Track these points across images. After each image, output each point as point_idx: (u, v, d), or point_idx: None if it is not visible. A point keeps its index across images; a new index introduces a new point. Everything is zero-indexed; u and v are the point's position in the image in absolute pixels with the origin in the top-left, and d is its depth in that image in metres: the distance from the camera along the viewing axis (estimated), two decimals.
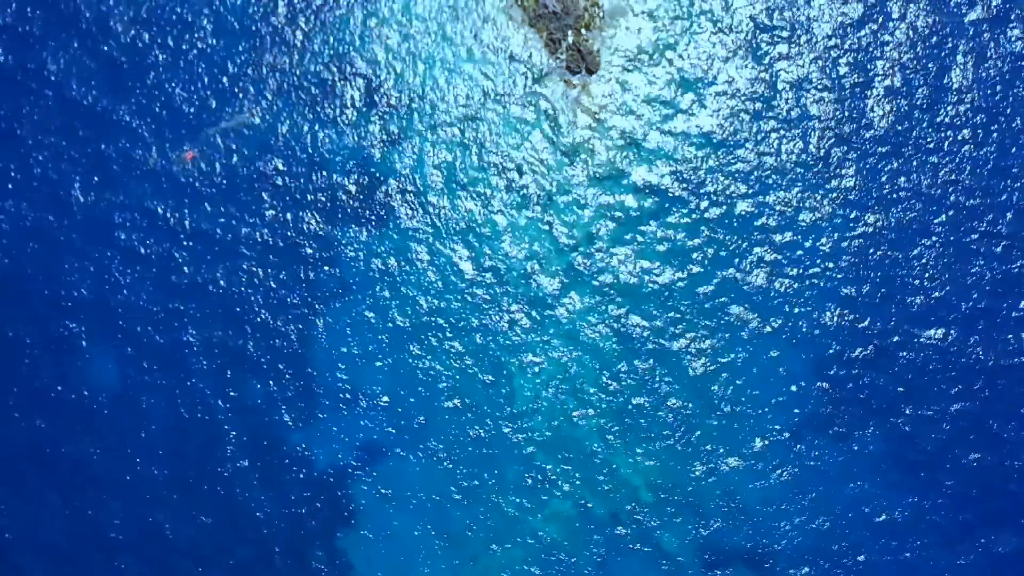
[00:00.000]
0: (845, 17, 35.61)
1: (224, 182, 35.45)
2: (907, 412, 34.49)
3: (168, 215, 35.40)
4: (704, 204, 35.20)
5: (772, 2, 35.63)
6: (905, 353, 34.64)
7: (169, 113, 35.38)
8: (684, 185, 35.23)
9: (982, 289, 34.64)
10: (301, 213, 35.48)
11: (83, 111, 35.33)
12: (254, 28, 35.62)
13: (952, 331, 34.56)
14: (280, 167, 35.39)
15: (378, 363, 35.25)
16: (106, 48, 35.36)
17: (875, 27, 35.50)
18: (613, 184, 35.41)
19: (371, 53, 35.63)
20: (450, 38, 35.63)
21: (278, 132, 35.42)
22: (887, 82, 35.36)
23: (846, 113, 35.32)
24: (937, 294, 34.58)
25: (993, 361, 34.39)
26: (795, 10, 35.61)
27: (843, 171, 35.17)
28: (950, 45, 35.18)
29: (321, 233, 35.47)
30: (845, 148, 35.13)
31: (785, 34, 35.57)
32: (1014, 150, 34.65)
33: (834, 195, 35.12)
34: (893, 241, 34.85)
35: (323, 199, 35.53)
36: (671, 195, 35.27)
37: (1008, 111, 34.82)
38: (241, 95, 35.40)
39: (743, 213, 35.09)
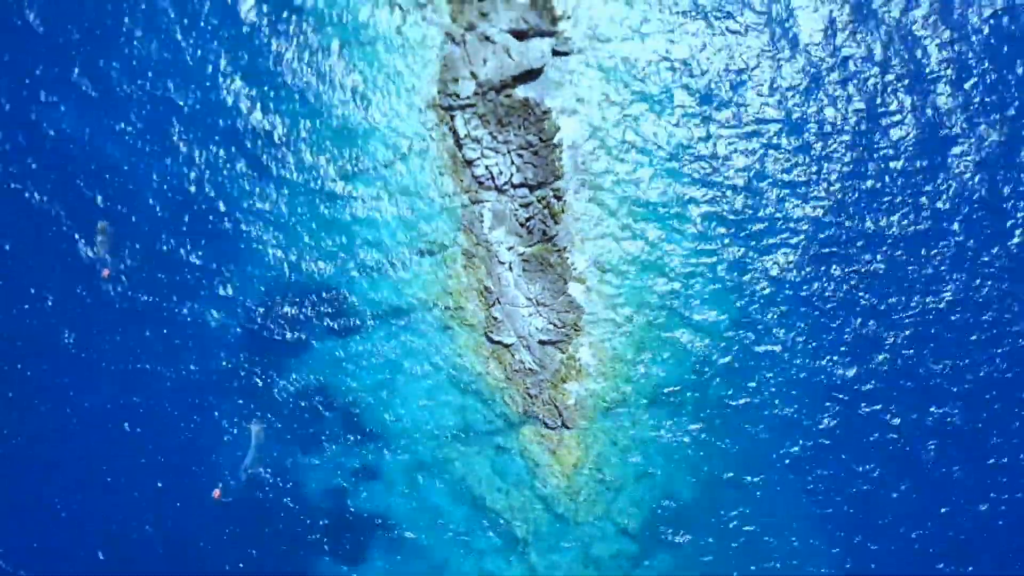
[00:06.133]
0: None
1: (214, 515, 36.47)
2: None
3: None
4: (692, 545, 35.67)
5: (751, 296, 36.24)
6: None
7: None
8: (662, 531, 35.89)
9: None
10: (285, 547, 36.28)
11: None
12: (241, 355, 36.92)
13: None
14: (268, 504, 36.33)
15: None
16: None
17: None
18: (591, 529, 35.95)
19: (353, 390, 36.67)
20: (430, 388, 36.41)
21: (265, 468, 36.43)
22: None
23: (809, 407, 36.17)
24: None
25: None
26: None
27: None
28: None
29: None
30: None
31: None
32: None
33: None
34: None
35: (308, 533, 36.33)
36: (649, 542, 35.87)
37: None
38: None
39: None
